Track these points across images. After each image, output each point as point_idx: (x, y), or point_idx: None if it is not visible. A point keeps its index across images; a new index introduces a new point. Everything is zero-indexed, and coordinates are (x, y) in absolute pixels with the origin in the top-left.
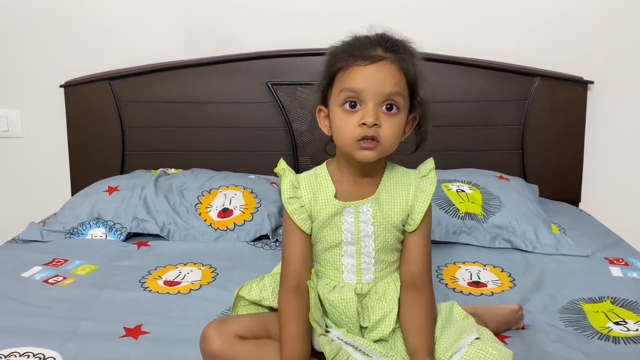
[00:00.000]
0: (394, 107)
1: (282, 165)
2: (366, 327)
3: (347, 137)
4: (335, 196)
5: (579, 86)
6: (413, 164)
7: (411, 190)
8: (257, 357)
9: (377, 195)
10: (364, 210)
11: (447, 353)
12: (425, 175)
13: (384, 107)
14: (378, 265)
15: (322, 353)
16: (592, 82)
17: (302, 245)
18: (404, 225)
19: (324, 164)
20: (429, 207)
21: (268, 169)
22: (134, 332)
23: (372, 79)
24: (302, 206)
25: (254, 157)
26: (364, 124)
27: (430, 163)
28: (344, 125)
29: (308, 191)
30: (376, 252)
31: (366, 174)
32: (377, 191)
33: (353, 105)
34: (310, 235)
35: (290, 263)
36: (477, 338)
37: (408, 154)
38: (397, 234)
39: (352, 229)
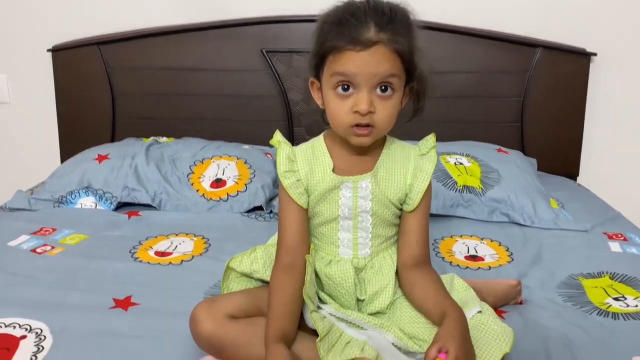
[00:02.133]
0: (389, 89)
1: (277, 138)
2: (363, 300)
3: (341, 123)
4: (333, 170)
5: (581, 58)
6: (411, 133)
7: (410, 168)
8: (249, 336)
9: (376, 171)
10: (363, 186)
11: None
12: (425, 154)
13: (378, 90)
14: (375, 240)
15: (314, 330)
16: (595, 54)
17: (298, 219)
18: (401, 204)
19: (321, 135)
20: (429, 186)
21: (262, 139)
22: (124, 304)
23: (366, 64)
24: (298, 180)
25: (248, 127)
26: (357, 111)
27: (431, 140)
28: (337, 110)
29: (305, 164)
30: (373, 227)
31: (364, 149)
32: (375, 167)
33: (346, 89)
34: (307, 209)
35: (286, 238)
36: (479, 312)
37: (405, 121)
38: (395, 210)
39: (349, 204)
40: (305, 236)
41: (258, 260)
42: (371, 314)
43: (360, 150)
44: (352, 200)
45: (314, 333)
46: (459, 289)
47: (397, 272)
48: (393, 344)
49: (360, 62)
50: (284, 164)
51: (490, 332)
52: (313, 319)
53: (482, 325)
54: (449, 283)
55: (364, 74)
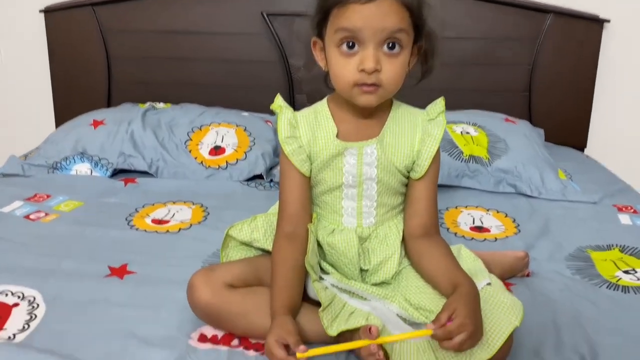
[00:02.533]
0: (397, 46)
1: (279, 102)
2: (367, 270)
3: (346, 82)
4: (337, 136)
5: (594, 25)
6: (415, 103)
7: (417, 134)
8: (249, 306)
9: (382, 136)
10: (368, 152)
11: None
12: (433, 119)
13: (385, 47)
14: (380, 209)
15: (316, 301)
16: (608, 21)
17: (300, 187)
18: (408, 172)
19: (324, 100)
20: (437, 152)
21: (261, 107)
22: (120, 272)
23: (372, 18)
24: (300, 146)
25: (247, 94)
26: (363, 69)
27: (439, 105)
28: (341, 69)
29: (307, 130)
30: (379, 196)
31: (370, 113)
32: (381, 132)
33: (351, 46)
34: (309, 177)
35: (288, 207)
36: (488, 284)
37: (413, 85)
38: (401, 178)
39: (354, 171)
40: (307, 205)
41: (259, 229)
42: (375, 285)
43: (366, 114)
44: (356, 167)
45: (316, 304)
46: (467, 260)
47: (402, 242)
48: (397, 314)
49: (366, 15)
50: (286, 129)
51: (500, 305)
52: (315, 289)
53: (491, 298)
54: (456, 254)
55: (370, 28)
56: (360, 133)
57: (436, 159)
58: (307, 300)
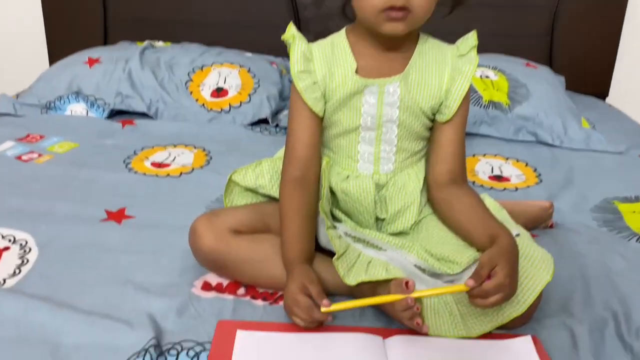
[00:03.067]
0: None
1: (291, 32)
2: (383, 219)
3: (372, 7)
4: (356, 72)
5: None
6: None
7: (446, 71)
8: (255, 253)
9: (406, 73)
10: (390, 90)
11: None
12: (464, 54)
13: None
14: (400, 155)
15: (329, 251)
16: None
17: (311, 129)
18: (434, 114)
19: (342, 31)
20: (468, 93)
21: (265, 48)
22: (117, 216)
23: None
24: (315, 83)
25: (250, 33)
26: None
27: (471, 39)
28: None
29: (323, 65)
30: (399, 140)
31: (394, 46)
32: (406, 69)
33: None
34: (322, 117)
35: (296, 149)
36: (517, 235)
37: (443, 16)
38: (426, 121)
39: (373, 112)
40: (317, 148)
41: (264, 174)
42: (392, 235)
43: (389, 47)
44: (376, 108)
45: (329, 254)
46: (492, 210)
47: (422, 191)
48: (415, 265)
49: None
50: (299, 62)
51: (530, 258)
52: (330, 236)
53: (522, 250)
54: None
55: None
56: (382, 69)
57: (466, 99)
58: (318, 250)
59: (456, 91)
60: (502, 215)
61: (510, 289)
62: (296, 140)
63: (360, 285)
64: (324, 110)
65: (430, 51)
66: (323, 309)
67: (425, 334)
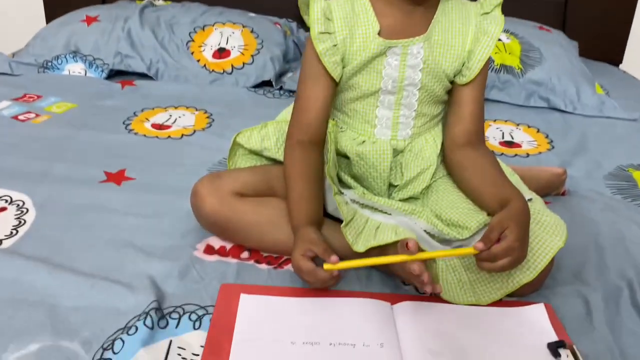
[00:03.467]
0: None
1: None
2: (396, 186)
3: None
4: (379, 34)
5: None
6: None
7: (470, 31)
8: (261, 217)
9: (429, 33)
10: (414, 52)
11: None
12: (488, 12)
13: None
14: (419, 120)
15: (335, 218)
16: None
17: (325, 93)
18: (455, 76)
19: None
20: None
21: (268, 9)
22: (117, 178)
23: None
24: (335, 45)
25: None
26: None
27: None
28: None
29: (343, 26)
30: (419, 104)
31: (416, 3)
32: (429, 28)
33: None
34: (338, 82)
35: (306, 114)
36: (530, 200)
37: None
38: (447, 83)
39: (395, 75)
40: (328, 113)
41: (270, 137)
42: (401, 200)
43: (412, 4)
44: (398, 71)
45: (337, 220)
46: None
47: (439, 155)
48: (424, 230)
49: None
50: (319, 23)
51: (542, 224)
52: (338, 202)
53: (534, 215)
54: None
55: None
56: (405, 29)
57: (488, 61)
58: (326, 216)
59: (480, 53)
60: (514, 180)
61: (519, 252)
62: (307, 105)
63: (369, 251)
64: (341, 75)
65: (453, 9)
66: (326, 266)
67: (439, 293)
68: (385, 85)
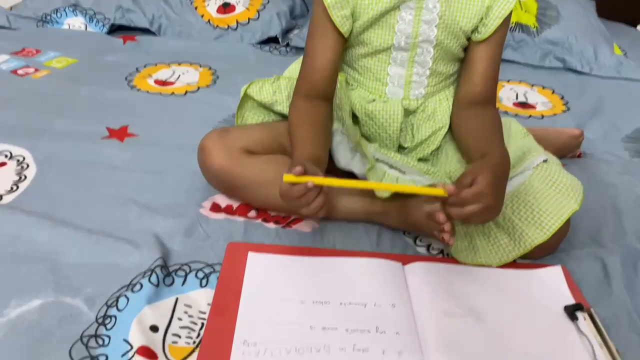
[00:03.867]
0: None
1: None
2: (405, 148)
3: None
4: None
5: None
6: None
7: None
8: (268, 174)
9: None
10: (429, 6)
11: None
12: None
13: None
14: (433, 79)
15: (350, 173)
16: None
17: (333, 50)
18: (472, 32)
19: None
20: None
21: None
22: (119, 134)
23: None
24: None
25: None
26: None
27: None
28: None
29: None
30: (434, 62)
31: None
32: None
33: None
34: (348, 37)
35: (314, 72)
36: (545, 161)
37: None
38: (463, 41)
39: (408, 30)
40: (336, 70)
41: (282, 90)
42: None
43: None
44: (412, 26)
45: (349, 176)
46: (516, 136)
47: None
48: None
49: None
50: None
51: (558, 185)
52: (362, 146)
53: (549, 176)
54: (507, 127)
55: None
56: None
57: (508, 19)
58: (336, 173)
59: (499, 9)
60: (528, 142)
61: (490, 199)
62: (314, 61)
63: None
64: (351, 30)
65: None
66: (286, 177)
67: (450, 245)
68: (398, 41)
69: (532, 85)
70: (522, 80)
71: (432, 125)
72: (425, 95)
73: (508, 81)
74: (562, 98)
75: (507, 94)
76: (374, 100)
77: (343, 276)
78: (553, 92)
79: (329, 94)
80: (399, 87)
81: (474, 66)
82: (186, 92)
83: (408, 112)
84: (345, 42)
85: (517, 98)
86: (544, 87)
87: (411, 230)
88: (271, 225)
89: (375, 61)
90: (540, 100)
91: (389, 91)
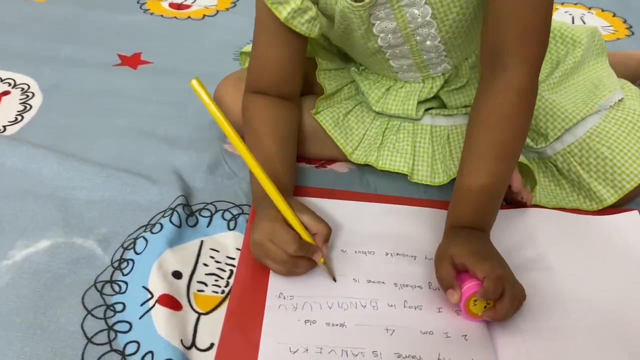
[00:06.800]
0: None
1: None
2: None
3: None
4: None
5: None
6: None
7: None
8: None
9: None
10: None
11: (574, 115)
12: None
13: None
14: (454, 52)
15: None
16: None
17: (291, 54)
18: None
19: None
20: None
21: None
22: (132, 61)
23: None
24: None
25: None
26: None
27: None
28: None
29: None
30: (448, 40)
31: None
32: None
33: None
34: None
35: (266, 73)
36: (621, 100)
37: None
38: None
39: (391, 25)
40: (300, 69)
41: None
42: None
43: None
44: (394, 19)
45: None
46: (589, 57)
47: None
48: None
49: None
50: None
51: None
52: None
53: (628, 117)
54: (589, 38)
55: None
56: None
57: None
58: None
59: None
60: (600, 68)
61: (499, 270)
62: (265, 64)
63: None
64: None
65: None
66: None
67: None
68: (385, 41)
69: (590, 8)
70: (578, 3)
71: (469, 93)
72: (454, 65)
73: (562, 4)
74: (625, 22)
75: (562, 17)
76: (389, 88)
77: (390, 225)
78: (614, 15)
79: (293, 94)
80: (412, 71)
81: (495, 13)
82: (204, 16)
83: (436, 88)
84: (307, 41)
85: (573, 22)
86: (603, 10)
87: None
88: (304, 164)
89: (373, 60)
90: (600, 24)
91: (401, 77)
